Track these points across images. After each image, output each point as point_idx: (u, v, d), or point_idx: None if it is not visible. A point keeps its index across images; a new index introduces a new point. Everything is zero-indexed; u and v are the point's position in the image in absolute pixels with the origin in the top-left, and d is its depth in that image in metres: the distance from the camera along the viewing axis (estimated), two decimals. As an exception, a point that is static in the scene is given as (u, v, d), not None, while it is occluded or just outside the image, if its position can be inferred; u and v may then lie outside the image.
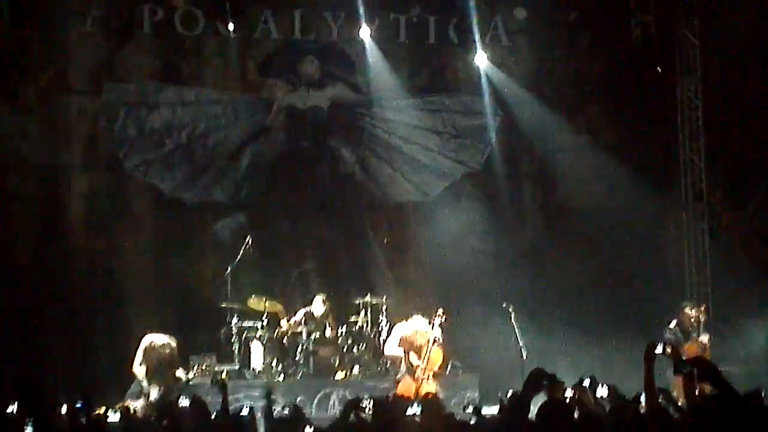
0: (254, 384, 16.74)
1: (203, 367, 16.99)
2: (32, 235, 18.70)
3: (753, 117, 19.62)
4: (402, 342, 16.09)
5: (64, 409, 10.88)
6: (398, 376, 16.01)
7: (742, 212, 20.07)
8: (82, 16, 19.02)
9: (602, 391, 9.55)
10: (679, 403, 9.27)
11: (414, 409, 9.27)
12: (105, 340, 17.52)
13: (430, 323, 15.97)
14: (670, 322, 16.82)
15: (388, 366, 17.18)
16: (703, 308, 17.00)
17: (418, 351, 15.83)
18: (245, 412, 9.81)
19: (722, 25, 19.75)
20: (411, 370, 15.67)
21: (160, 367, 15.72)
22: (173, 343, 15.98)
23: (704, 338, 16.64)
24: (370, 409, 9.09)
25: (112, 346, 17.08)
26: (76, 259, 18.91)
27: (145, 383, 15.51)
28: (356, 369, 17.59)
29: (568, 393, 9.38)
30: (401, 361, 15.98)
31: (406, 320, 16.35)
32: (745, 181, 20.03)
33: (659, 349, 7.92)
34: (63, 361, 17.21)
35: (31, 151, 18.71)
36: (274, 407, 10.14)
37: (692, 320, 16.72)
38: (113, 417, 11.19)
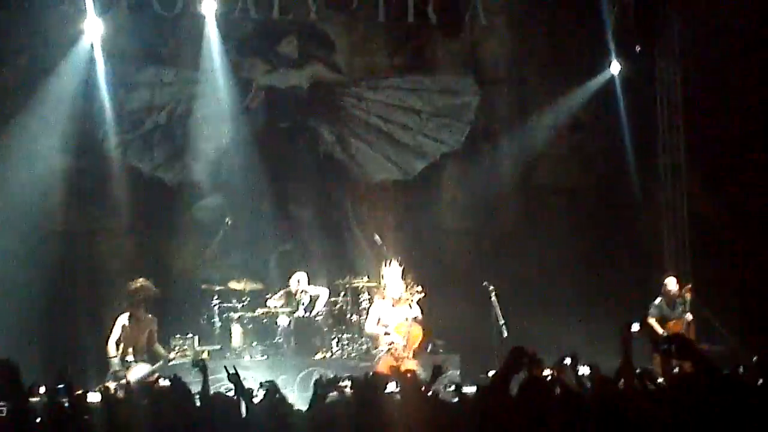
0: (237, 364, 16.72)
1: (184, 348, 17.01)
2: (10, 217, 18.59)
3: (734, 96, 19.65)
4: (384, 305, 16.10)
5: (42, 390, 10.84)
6: (378, 355, 16.01)
7: (721, 191, 20.11)
8: (59, -4, 18.92)
9: (584, 370, 9.56)
10: (659, 381, 9.30)
11: (393, 387, 9.26)
12: (86, 322, 17.47)
13: (407, 301, 15.99)
14: (655, 299, 16.88)
15: (369, 345, 17.20)
16: (689, 287, 17.01)
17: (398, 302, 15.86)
18: (230, 393, 9.76)
19: (701, 4, 19.77)
20: (390, 347, 15.68)
21: (139, 344, 15.72)
22: (152, 317, 15.98)
23: (689, 317, 16.68)
24: (348, 387, 9.07)
25: (93, 328, 17.02)
26: (56, 239, 18.83)
27: (117, 360, 15.47)
28: (337, 348, 17.61)
29: (548, 372, 9.39)
30: (380, 338, 16.01)
31: (383, 297, 16.36)
32: (725, 161, 20.05)
33: (635, 328, 7.98)
34: (43, 344, 17.14)
35: (10, 134, 18.59)
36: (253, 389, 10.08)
37: (676, 296, 16.74)
38: (93, 397, 11.13)
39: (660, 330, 15.98)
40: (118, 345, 15.62)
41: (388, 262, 16.42)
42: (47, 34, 18.93)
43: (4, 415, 9.56)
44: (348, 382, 9.07)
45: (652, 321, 16.30)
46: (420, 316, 15.94)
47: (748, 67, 19.62)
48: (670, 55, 20.42)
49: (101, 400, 10.62)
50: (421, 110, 20.63)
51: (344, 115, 20.40)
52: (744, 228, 19.74)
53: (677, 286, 16.95)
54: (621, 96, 20.37)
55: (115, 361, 15.48)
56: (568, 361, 9.77)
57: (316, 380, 10.11)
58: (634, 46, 20.59)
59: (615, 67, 20.29)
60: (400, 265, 16.26)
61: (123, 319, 15.78)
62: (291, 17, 20.12)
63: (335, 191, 20.31)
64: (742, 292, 18.92)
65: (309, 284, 18.03)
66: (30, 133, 18.65)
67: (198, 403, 9.44)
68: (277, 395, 9.46)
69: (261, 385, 9.88)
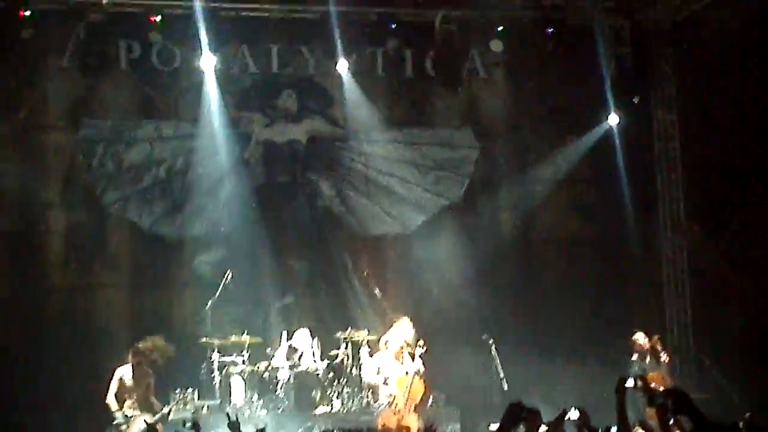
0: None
1: (184, 402, 16.95)
2: (9, 272, 18.61)
3: (730, 146, 19.68)
4: (386, 357, 16.06)
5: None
6: (379, 408, 15.94)
7: (720, 241, 20.10)
8: (58, 52, 19.01)
9: (573, 415, 9.50)
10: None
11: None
12: (83, 378, 17.41)
13: (410, 354, 15.97)
14: (631, 355, 16.91)
15: (369, 399, 17.14)
16: (657, 337, 17.12)
17: (400, 354, 15.80)
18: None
19: (697, 54, 19.86)
20: (390, 401, 15.63)
21: (137, 396, 15.69)
22: (150, 371, 15.97)
23: (665, 357, 16.78)
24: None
25: (90, 383, 16.97)
26: (54, 296, 18.83)
27: (119, 414, 15.43)
28: (338, 403, 17.54)
29: (543, 429, 9.35)
30: (379, 389, 15.96)
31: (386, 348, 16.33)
32: (723, 210, 20.06)
33: (630, 383, 7.98)
34: (40, 399, 17.09)
35: (8, 187, 18.66)
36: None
37: (644, 348, 16.84)
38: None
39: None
40: (117, 398, 15.60)
41: (398, 318, 16.41)
42: (46, 89, 19.04)
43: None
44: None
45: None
46: (422, 370, 15.89)
47: (745, 116, 19.65)
48: (667, 105, 20.47)
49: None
50: (420, 163, 20.66)
51: (342, 169, 20.44)
52: (744, 277, 19.71)
53: (646, 339, 17.06)
54: (620, 147, 20.39)
55: (119, 415, 15.45)
56: (574, 415, 9.70)
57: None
58: (632, 98, 20.63)
59: (613, 119, 20.30)
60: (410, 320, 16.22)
61: (121, 372, 15.76)
62: (289, 71, 20.20)
63: (334, 245, 20.30)
64: (742, 341, 18.84)
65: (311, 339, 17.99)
66: (28, 187, 18.69)
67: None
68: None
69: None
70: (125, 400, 15.58)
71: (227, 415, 9.27)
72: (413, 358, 16.00)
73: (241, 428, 9.94)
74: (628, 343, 17.25)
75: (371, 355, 17.40)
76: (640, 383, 7.92)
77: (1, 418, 12.42)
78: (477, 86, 20.73)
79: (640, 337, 17.10)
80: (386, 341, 16.34)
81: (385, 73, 20.48)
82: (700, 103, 19.88)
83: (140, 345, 16.12)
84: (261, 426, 10.10)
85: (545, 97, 20.83)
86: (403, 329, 16.19)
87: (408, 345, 16.10)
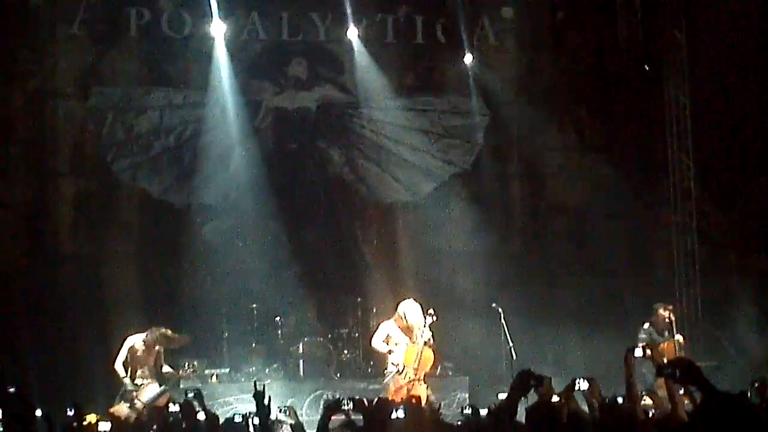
0: (247, 388, 16.72)
1: (193, 371, 17.01)
2: (20, 240, 18.65)
3: (741, 116, 19.64)
4: (395, 326, 16.02)
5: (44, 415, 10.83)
6: (387, 378, 15.94)
7: (730, 212, 20.08)
8: (68, 20, 19.00)
9: (583, 385, 9.49)
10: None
11: (398, 413, 9.23)
12: (94, 346, 17.44)
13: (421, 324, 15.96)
14: (644, 323, 16.85)
15: (378, 367, 17.17)
16: (671, 308, 17.04)
17: (409, 333, 15.73)
18: (238, 418, 9.72)
19: (709, 24, 19.77)
20: (400, 369, 15.63)
21: (148, 365, 15.70)
22: (161, 339, 15.95)
23: (679, 337, 16.71)
24: (350, 410, 9.04)
25: (101, 351, 17.00)
26: (65, 264, 18.88)
27: (128, 381, 15.45)
28: (346, 371, 17.60)
29: (555, 398, 9.35)
30: (385, 357, 15.94)
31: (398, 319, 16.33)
32: (733, 180, 20.04)
33: (639, 352, 7.97)
34: (51, 368, 17.14)
35: (19, 156, 18.69)
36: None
37: (666, 320, 16.75)
38: (104, 426, 11.09)
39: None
40: (126, 367, 15.58)
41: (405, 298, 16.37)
42: (56, 57, 19.03)
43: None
44: (351, 405, 9.02)
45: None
46: (432, 340, 15.88)
47: (757, 86, 19.59)
48: (678, 76, 20.37)
49: (111, 428, 10.61)
50: (430, 131, 20.62)
51: (353, 137, 20.42)
52: (753, 248, 19.71)
53: (666, 311, 16.99)
54: (629, 116, 20.36)
55: (127, 381, 15.45)
56: (584, 385, 9.68)
57: (325, 403, 10.12)
58: (642, 66, 20.56)
59: (622, 88, 20.22)
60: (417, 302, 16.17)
61: (133, 341, 15.72)
62: (300, 39, 20.16)
63: (344, 212, 20.31)
64: (750, 310, 18.84)
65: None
66: (38, 156, 18.72)
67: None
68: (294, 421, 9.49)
69: (280, 409, 9.88)
70: (137, 369, 15.58)
71: (254, 384, 9.24)
72: (422, 329, 15.95)
73: (203, 397, 10.00)
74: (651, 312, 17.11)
75: (379, 324, 17.41)
76: (648, 352, 7.91)
77: (12, 385, 12.46)
78: (487, 53, 20.64)
79: (660, 308, 17.01)
80: (398, 315, 16.26)
81: (396, 40, 20.44)
82: (712, 72, 19.80)
83: (167, 332, 15.98)
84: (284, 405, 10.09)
85: (555, 65, 20.77)
86: (411, 312, 16.06)
87: (414, 327, 15.97)
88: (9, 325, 17.46)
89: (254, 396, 9.20)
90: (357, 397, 9.29)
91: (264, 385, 9.26)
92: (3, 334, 17.23)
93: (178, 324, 17.11)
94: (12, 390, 9.71)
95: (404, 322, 15.80)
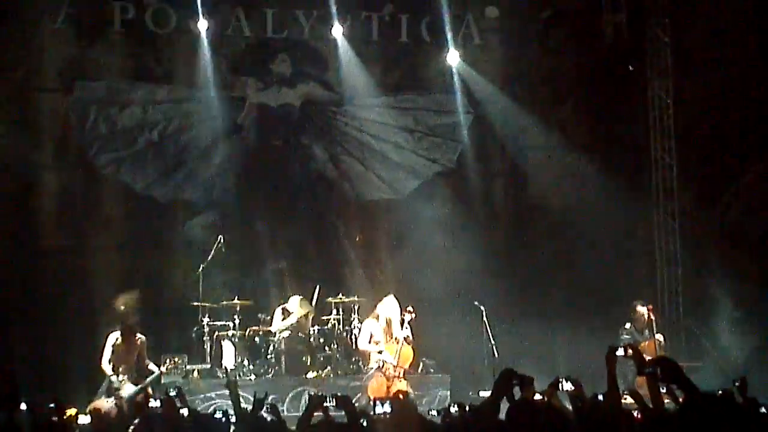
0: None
1: (174, 366, 16.99)
2: (2, 233, 18.57)
3: (724, 116, 19.68)
4: (376, 324, 16.08)
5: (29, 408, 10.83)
6: (368, 374, 15.99)
7: (711, 211, 20.13)
8: (53, 14, 18.94)
9: (566, 386, 9.52)
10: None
11: (383, 408, 9.25)
12: (76, 339, 17.40)
13: (401, 321, 15.99)
14: (625, 324, 16.90)
15: (360, 364, 17.20)
16: (650, 306, 17.10)
17: (388, 330, 15.82)
18: (218, 414, 9.74)
19: (693, 24, 19.83)
20: (380, 366, 15.68)
21: (129, 362, 15.71)
22: (143, 336, 15.98)
23: (660, 337, 16.78)
24: (333, 406, 9.04)
25: (83, 346, 16.98)
26: (47, 257, 18.82)
27: (114, 378, 15.46)
28: (328, 368, 17.59)
29: (537, 396, 9.37)
30: (372, 357, 16.02)
31: (377, 318, 16.36)
32: (715, 179, 20.09)
33: (620, 351, 8.00)
34: (33, 361, 17.10)
35: (2, 149, 18.62)
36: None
37: (645, 319, 16.82)
38: (83, 419, 11.10)
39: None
40: (110, 362, 15.61)
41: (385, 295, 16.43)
42: (41, 51, 18.97)
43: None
44: (333, 402, 9.02)
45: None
46: (411, 337, 15.93)
47: (740, 86, 19.63)
48: (662, 75, 20.42)
49: (91, 421, 10.61)
50: (414, 129, 20.65)
51: (336, 134, 20.43)
52: (735, 246, 19.76)
53: (644, 309, 17.03)
54: (613, 115, 20.40)
55: (114, 378, 15.46)
56: (567, 386, 9.69)
57: (308, 399, 10.10)
58: (626, 65, 20.61)
59: (606, 87, 20.26)
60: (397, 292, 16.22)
61: (113, 337, 15.76)
62: (284, 35, 20.16)
63: (327, 209, 20.31)
64: (731, 310, 18.90)
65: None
66: (21, 149, 18.64)
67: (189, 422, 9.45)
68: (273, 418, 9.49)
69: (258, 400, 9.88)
70: (121, 365, 15.59)
71: (226, 372, 9.26)
72: (402, 326, 16.01)
73: (238, 386, 9.97)
74: (629, 312, 17.18)
75: (361, 321, 17.44)
76: (630, 351, 7.93)
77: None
78: (472, 52, 20.65)
79: (640, 308, 17.08)
80: (377, 315, 16.34)
81: (381, 38, 20.46)
82: (696, 72, 19.85)
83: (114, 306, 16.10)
84: (261, 395, 10.08)
85: (539, 64, 20.80)
86: (388, 307, 16.16)
87: (392, 323, 16.06)
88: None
89: (226, 386, 9.22)
90: (339, 394, 9.30)
91: (236, 375, 9.27)
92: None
93: (159, 318, 17.12)
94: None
95: (382, 319, 15.90)
